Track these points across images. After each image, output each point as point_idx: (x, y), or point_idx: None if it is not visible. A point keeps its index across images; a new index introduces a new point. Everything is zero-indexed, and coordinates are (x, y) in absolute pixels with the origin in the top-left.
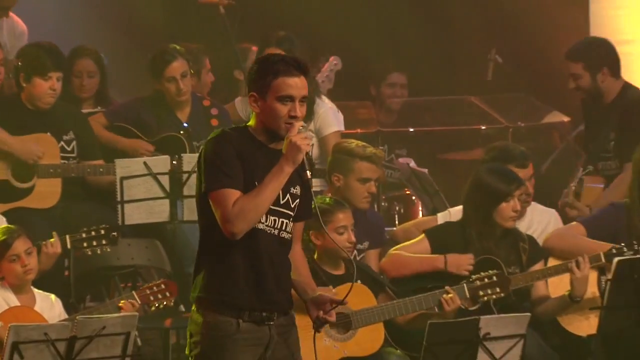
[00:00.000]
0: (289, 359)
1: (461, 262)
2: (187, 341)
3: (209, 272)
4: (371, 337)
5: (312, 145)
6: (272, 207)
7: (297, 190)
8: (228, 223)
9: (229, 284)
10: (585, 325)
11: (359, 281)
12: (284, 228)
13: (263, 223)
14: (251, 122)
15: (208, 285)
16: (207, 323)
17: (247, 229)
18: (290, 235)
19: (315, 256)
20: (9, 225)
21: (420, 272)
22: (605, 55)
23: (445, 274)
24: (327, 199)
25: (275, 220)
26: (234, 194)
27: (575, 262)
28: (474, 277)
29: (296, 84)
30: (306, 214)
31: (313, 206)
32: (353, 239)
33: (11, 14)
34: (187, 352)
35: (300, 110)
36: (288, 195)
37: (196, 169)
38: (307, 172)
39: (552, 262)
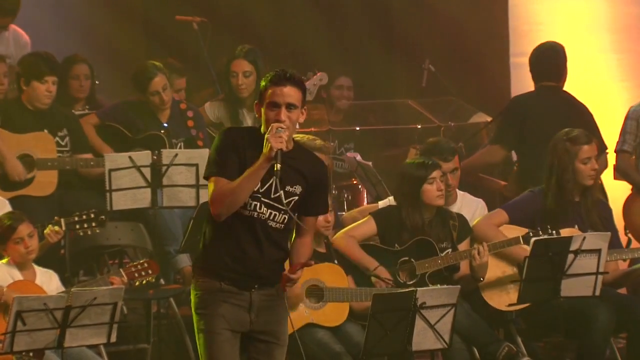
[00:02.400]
0: (274, 325)
1: (384, 274)
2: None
3: (204, 246)
4: (337, 311)
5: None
6: (263, 198)
7: (295, 189)
8: (211, 205)
9: (216, 256)
10: (505, 298)
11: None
12: (272, 218)
13: (250, 210)
14: (262, 126)
15: (202, 256)
16: (198, 283)
17: (227, 212)
18: (281, 225)
19: None
20: (14, 211)
21: (359, 263)
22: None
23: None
24: None
25: (265, 209)
26: (220, 180)
27: (477, 250)
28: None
29: (282, 92)
30: (316, 210)
31: None
32: (330, 218)
33: (15, 26)
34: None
35: (286, 115)
36: (282, 192)
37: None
38: (276, 165)
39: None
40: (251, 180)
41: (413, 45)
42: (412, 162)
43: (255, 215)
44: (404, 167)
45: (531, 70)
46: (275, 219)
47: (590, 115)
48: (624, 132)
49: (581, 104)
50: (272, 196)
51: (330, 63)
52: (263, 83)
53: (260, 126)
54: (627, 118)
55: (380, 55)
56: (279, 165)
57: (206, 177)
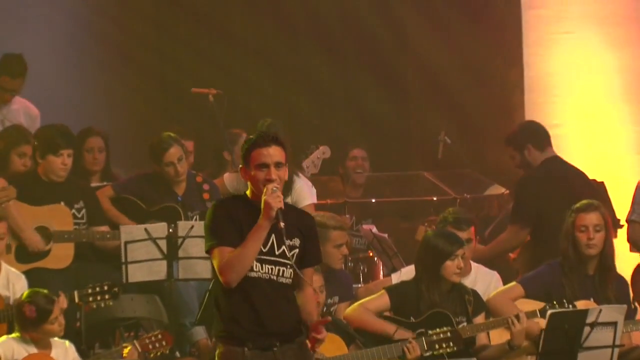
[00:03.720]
0: None
1: (406, 335)
2: None
3: (220, 315)
4: None
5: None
6: (267, 257)
7: (294, 242)
8: (221, 274)
9: (233, 322)
10: None
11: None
12: (281, 274)
13: (258, 272)
14: (248, 191)
15: (219, 325)
16: (222, 353)
17: (238, 278)
18: (289, 280)
19: None
20: (42, 291)
21: (378, 331)
22: (528, 135)
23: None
24: None
25: (271, 268)
26: (224, 250)
27: (516, 317)
28: (431, 332)
29: (269, 153)
30: (312, 261)
31: None
32: (319, 299)
33: (24, 100)
34: None
35: (276, 173)
36: (284, 247)
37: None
38: (281, 222)
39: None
40: (255, 242)
41: (428, 117)
42: (440, 235)
43: (262, 276)
44: (431, 238)
45: (518, 143)
46: (284, 275)
47: (598, 184)
48: (634, 202)
49: (583, 172)
50: (277, 253)
51: (346, 135)
52: (245, 147)
53: (246, 192)
54: (637, 188)
55: (396, 127)
56: (283, 224)
57: (208, 250)
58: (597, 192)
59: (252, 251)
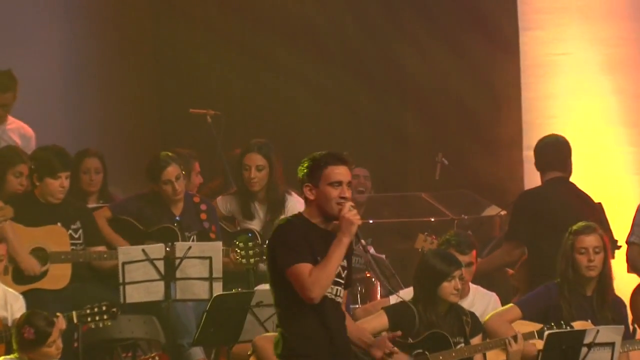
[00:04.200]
0: None
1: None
2: None
3: (289, 333)
4: None
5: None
6: None
7: (344, 262)
8: (307, 291)
9: (307, 341)
10: None
11: None
12: (338, 294)
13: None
14: (304, 211)
15: (288, 344)
16: None
17: (322, 294)
18: (341, 300)
19: None
20: (40, 312)
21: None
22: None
23: None
24: None
25: (332, 287)
26: (307, 267)
27: (513, 338)
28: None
29: (341, 172)
30: (349, 283)
31: None
32: None
33: (18, 120)
34: None
35: (347, 192)
36: (339, 267)
37: (267, 253)
38: (362, 240)
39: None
40: (338, 259)
41: (426, 138)
42: (437, 255)
43: (328, 295)
44: (428, 257)
45: (536, 163)
46: (339, 295)
47: (599, 207)
48: (634, 224)
49: (588, 195)
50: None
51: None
52: (313, 164)
53: (292, 217)
54: (637, 210)
55: (394, 149)
56: (363, 241)
57: (288, 266)
58: (596, 213)
59: (336, 267)
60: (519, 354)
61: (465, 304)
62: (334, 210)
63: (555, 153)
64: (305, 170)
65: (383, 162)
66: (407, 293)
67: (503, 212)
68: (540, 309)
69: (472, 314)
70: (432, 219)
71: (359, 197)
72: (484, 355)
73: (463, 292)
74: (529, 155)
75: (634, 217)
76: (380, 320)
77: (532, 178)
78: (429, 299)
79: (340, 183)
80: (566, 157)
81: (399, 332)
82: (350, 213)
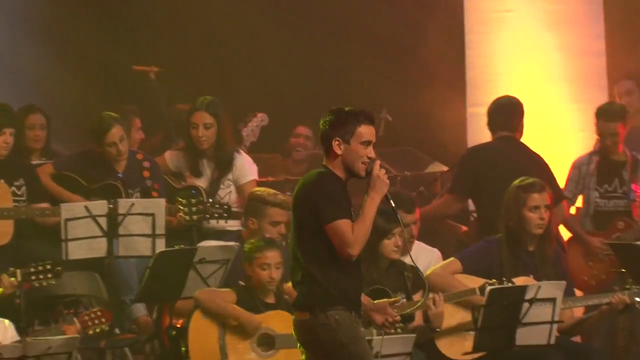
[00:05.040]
0: None
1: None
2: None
3: (329, 285)
4: (290, 358)
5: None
6: None
7: None
8: (349, 247)
9: (343, 289)
10: (460, 347)
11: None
12: None
13: None
14: (327, 162)
15: (325, 292)
16: (333, 318)
17: (359, 252)
18: None
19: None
20: None
21: None
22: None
23: None
24: (259, 239)
25: None
26: (349, 223)
27: (432, 300)
28: None
29: (372, 132)
30: None
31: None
32: (274, 275)
33: None
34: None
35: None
36: None
37: (297, 203)
38: (391, 201)
39: None
40: (373, 217)
41: (369, 94)
42: (377, 213)
43: None
44: None
45: (488, 122)
46: None
47: (546, 165)
48: (568, 180)
49: (537, 154)
50: None
51: (290, 112)
52: (343, 119)
53: (323, 165)
54: (572, 167)
55: (337, 104)
56: (392, 201)
57: (331, 221)
58: (543, 172)
59: (370, 225)
60: (441, 315)
61: (408, 259)
62: (360, 168)
63: (506, 114)
64: (334, 124)
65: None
66: None
67: (446, 169)
68: (481, 264)
69: (414, 269)
70: None
71: (297, 156)
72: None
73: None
74: (472, 112)
75: (569, 173)
76: None
77: (476, 135)
78: (370, 257)
79: (370, 143)
80: (518, 119)
81: (398, 298)
82: (382, 172)
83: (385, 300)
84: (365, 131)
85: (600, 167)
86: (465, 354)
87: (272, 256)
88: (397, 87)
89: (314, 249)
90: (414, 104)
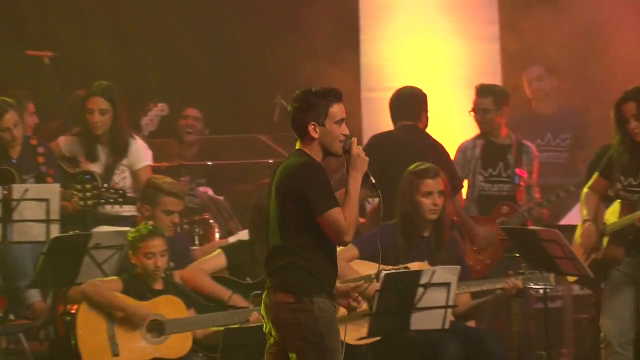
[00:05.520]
0: None
1: (241, 303)
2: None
3: (310, 267)
4: (180, 343)
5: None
6: None
7: None
8: (344, 235)
9: (323, 277)
10: (355, 332)
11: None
12: None
13: None
14: (303, 147)
15: (310, 277)
16: (316, 305)
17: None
18: None
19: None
20: None
21: (212, 294)
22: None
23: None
24: (143, 226)
25: None
26: (340, 211)
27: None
28: None
29: (342, 109)
30: None
31: None
32: (159, 264)
33: None
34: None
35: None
36: None
37: (282, 192)
38: (371, 177)
39: None
40: (358, 197)
41: (265, 79)
42: (268, 198)
43: None
44: (261, 200)
45: (391, 112)
46: None
47: (447, 154)
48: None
49: (439, 143)
50: None
51: (180, 99)
52: (313, 102)
53: (298, 149)
54: (457, 150)
55: (232, 89)
56: (372, 178)
57: (325, 211)
58: (442, 160)
59: (357, 206)
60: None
61: None
62: (338, 148)
63: (409, 104)
64: (305, 109)
65: (221, 103)
66: (245, 234)
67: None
68: (377, 249)
69: None
70: (271, 161)
71: (187, 138)
72: None
73: None
74: (366, 97)
75: (454, 157)
76: (218, 260)
77: (370, 120)
78: (265, 241)
79: (343, 120)
80: (420, 109)
81: (362, 283)
82: (360, 149)
83: (347, 284)
84: (337, 110)
85: (485, 151)
86: (360, 339)
87: (156, 244)
88: (292, 73)
89: (300, 238)
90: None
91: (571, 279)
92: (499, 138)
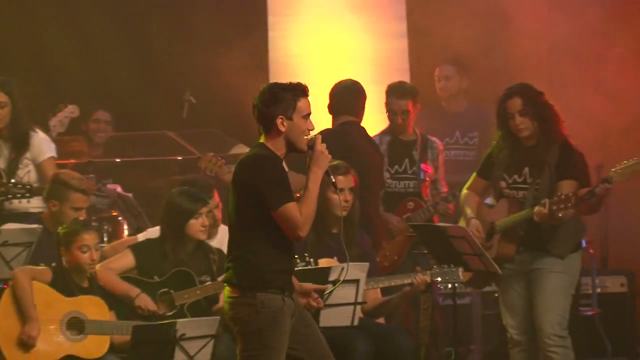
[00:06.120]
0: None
1: (147, 302)
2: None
3: (259, 261)
4: (98, 344)
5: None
6: None
7: None
8: (300, 230)
9: (276, 271)
10: None
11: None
12: None
13: None
14: (266, 141)
15: (258, 272)
16: (260, 300)
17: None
18: None
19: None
20: None
21: (120, 293)
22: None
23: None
24: (74, 221)
25: None
26: (295, 206)
27: None
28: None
29: (309, 104)
30: None
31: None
32: (95, 257)
33: None
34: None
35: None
36: None
37: (237, 185)
38: (332, 176)
39: None
40: (317, 193)
41: (173, 76)
42: (183, 194)
43: None
44: (174, 197)
45: (330, 105)
46: None
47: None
48: None
49: (374, 140)
50: None
51: (88, 95)
52: (281, 95)
53: (263, 150)
54: None
55: (140, 86)
56: (333, 177)
57: (279, 206)
58: (381, 157)
59: (316, 202)
60: None
61: (214, 243)
62: (303, 143)
63: (352, 99)
64: (272, 102)
65: (129, 100)
66: (155, 232)
67: None
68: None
69: (220, 252)
70: (179, 158)
71: (98, 139)
72: None
73: (213, 232)
74: None
75: None
76: (126, 259)
77: None
78: (177, 237)
79: (309, 115)
80: (360, 103)
81: (326, 286)
82: (323, 146)
83: (310, 284)
84: (305, 104)
85: (391, 147)
86: None
87: (91, 238)
88: (201, 69)
89: (252, 232)
90: (218, 86)
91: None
92: (405, 135)
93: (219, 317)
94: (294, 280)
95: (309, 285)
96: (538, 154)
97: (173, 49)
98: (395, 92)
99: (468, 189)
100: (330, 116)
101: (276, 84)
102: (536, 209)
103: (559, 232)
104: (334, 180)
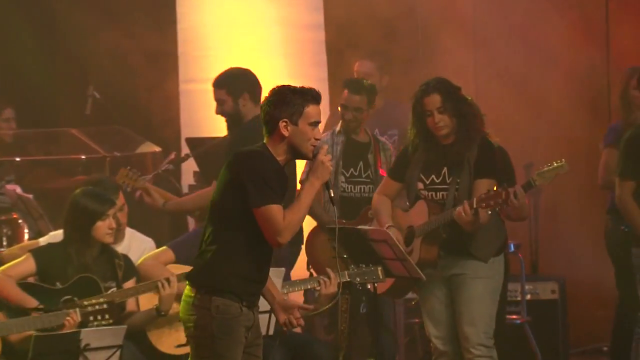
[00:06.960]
0: (257, 339)
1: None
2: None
3: (223, 266)
4: None
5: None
6: None
7: None
8: (278, 235)
9: (238, 278)
10: (174, 338)
11: None
12: None
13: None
14: (268, 143)
15: (218, 276)
16: (216, 305)
17: (289, 240)
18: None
19: None
20: None
21: (17, 303)
22: (249, 83)
23: None
24: None
25: None
26: (280, 209)
27: (166, 280)
28: (85, 302)
29: (319, 112)
30: None
31: None
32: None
33: None
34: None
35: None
36: None
37: (225, 178)
38: (331, 190)
39: None
40: (310, 204)
41: (77, 70)
42: (89, 195)
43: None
44: (78, 198)
45: (236, 88)
46: None
47: None
48: None
49: None
50: None
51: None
52: (289, 99)
53: (261, 144)
54: None
55: (42, 81)
56: (332, 191)
57: (260, 206)
58: None
59: (306, 212)
60: (171, 297)
61: (121, 248)
62: (308, 150)
63: (257, 83)
64: (279, 104)
65: (31, 96)
66: (58, 235)
67: (158, 149)
68: (195, 254)
69: (126, 257)
70: (83, 157)
71: (6, 138)
72: (137, 300)
73: (119, 236)
74: (185, 88)
75: None
76: (27, 265)
77: (188, 112)
78: (82, 241)
79: (318, 123)
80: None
81: (311, 306)
82: (327, 158)
83: (296, 302)
84: (313, 111)
85: (346, 149)
86: (180, 346)
87: None
88: (107, 63)
89: (226, 232)
90: (124, 81)
91: (381, 288)
92: (359, 135)
93: (125, 327)
94: (276, 292)
95: (294, 302)
96: (457, 152)
97: (78, 42)
98: (351, 86)
99: (379, 193)
100: None
101: (287, 86)
102: (458, 209)
103: (481, 234)
104: (332, 195)
